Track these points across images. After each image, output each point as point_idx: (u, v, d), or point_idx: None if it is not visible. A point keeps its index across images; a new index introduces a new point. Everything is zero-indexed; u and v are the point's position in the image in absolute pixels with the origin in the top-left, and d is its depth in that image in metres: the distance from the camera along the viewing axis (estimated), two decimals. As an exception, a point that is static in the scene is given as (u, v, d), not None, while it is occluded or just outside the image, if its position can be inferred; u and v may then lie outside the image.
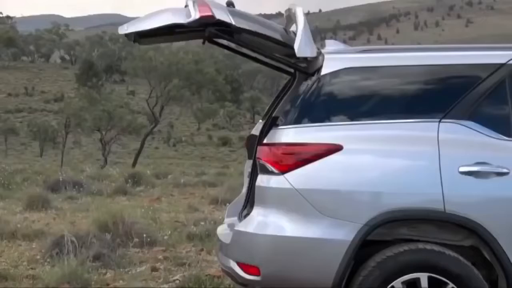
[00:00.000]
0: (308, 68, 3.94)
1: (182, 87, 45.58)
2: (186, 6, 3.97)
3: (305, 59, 3.85)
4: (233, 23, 3.72)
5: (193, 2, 3.88)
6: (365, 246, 3.46)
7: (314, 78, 3.72)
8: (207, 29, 3.79)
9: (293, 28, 4.19)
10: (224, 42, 4.12)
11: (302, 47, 3.70)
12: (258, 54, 4.07)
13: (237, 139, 68.97)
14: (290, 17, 4.24)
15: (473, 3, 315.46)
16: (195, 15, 3.69)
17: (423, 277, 3.37)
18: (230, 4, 4.04)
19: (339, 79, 3.72)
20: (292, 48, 3.74)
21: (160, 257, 6.32)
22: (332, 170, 3.50)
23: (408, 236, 3.57)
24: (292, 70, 4.35)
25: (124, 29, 3.94)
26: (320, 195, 3.48)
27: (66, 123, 52.69)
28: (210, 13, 3.68)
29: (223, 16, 3.73)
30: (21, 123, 69.88)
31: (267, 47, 4.00)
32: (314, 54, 3.78)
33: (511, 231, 3.43)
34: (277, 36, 3.99)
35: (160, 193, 13.08)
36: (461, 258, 3.42)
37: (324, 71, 3.69)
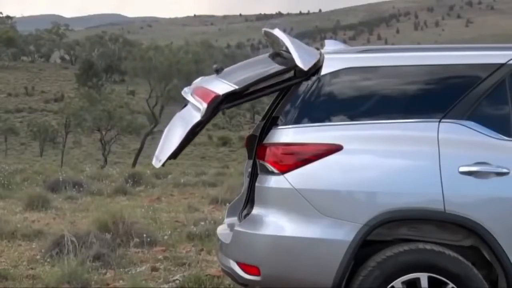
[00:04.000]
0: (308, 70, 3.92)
1: (182, 87, 45.54)
2: (186, 101, 3.97)
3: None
4: (237, 87, 3.68)
5: (190, 94, 3.87)
6: (365, 246, 3.47)
7: (314, 78, 3.72)
8: (220, 108, 3.72)
9: (276, 44, 4.13)
10: None
11: (304, 60, 3.66)
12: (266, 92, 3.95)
13: (237, 139, 68.91)
14: (271, 39, 4.21)
15: (473, 3, 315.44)
16: (203, 106, 3.64)
17: (423, 277, 3.37)
18: (219, 70, 4.00)
19: (339, 79, 3.72)
20: (291, 68, 3.71)
21: (160, 257, 6.32)
22: (332, 170, 3.51)
23: (408, 236, 3.57)
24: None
25: (159, 163, 3.88)
26: (320, 195, 3.48)
27: (66, 123, 52.70)
28: (214, 95, 3.64)
29: (224, 88, 3.68)
30: (21, 123, 69.83)
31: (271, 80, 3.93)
32: (316, 58, 3.77)
33: (511, 231, 3.43)
34: (276, 68, 3.87)
35: (160, 193, 13.07)
36: (461, 258, 3.42)
37: (324, 71, 3.69)
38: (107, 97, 51.24)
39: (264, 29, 4.30)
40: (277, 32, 3.99)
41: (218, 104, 3.65)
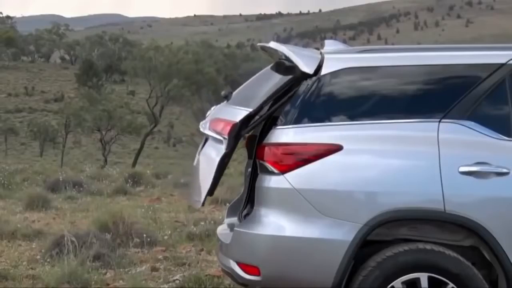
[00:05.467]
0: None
1: (182, 87, 45.61)
2: (205, 135, 3.99)
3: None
4: (251, 110, 3.68)
5: (208, 129, 3.88)
6: (365, 246, 3.47)
7: (314, 78, 3.71)
8: (241, 134, 3.71)
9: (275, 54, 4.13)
10: None
11: (308, 64, 3.67)
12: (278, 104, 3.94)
13: (237, 139, 68.78)
14: (268, 51, 4.22)
15: (473, 3, 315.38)
16: (224, 138, 3.65)
17: (423, 277, 3.37)
18: (228, 96, 4.02)
19: (339, 79, 3.71)
20: (299, 76, 3.71)
21: (160, 257, 6.32)
22: (332, 170, 3.51)
23: (408, 236, 3.57)
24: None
25: (199, 203, 3.88)
26: (320, 195, 3.48)
27: (66, 123, 52.76)
28: (231, 124, 3.64)
29: (239, 114, 3.69)
30: (21, 123, 69.84)
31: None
32: (318, 59, 3.76)
33: (511, 231, 3.43)
34: (284, 80, 3.84)
35: (160, 193, 13.07)
36: (461, 258, 3.43)
37: (324, 71, 3.69)
38: (107, 97, 51.34)
39: (259, 44, 4.34)
40: (273, 44, 4.02)
41: (238, 132, 3.66)
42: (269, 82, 3.92)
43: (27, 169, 21.92)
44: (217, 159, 3.68)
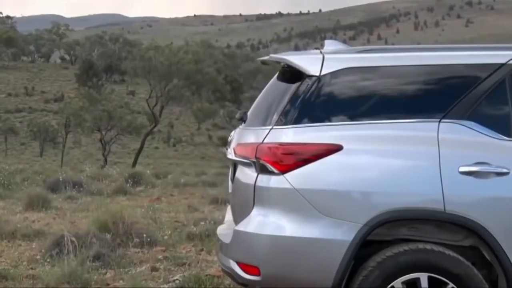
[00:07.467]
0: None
1: (182, 87, 45.63)
2: (232, 161, 4.02)
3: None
4: (270, 127, 3.68)
5: (235, 155, 3.91)
6: (365, 246, 3.47)
7: (314, 78, 3.71)
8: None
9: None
10: None
11: (311, 65, 3.68)
12: None
13: (237, 139, 68.68)
14: (269, 63, 4.26)
15: (473, 3, 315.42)
16: (252, 161, 3.66)
17: (423, 277, 3.37)
18: (243, 117, 4.08)
19: (339, 79, 3.71)
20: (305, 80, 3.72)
21: (160, 257, 6.32)
22: (332, 170, 3.50)
23: (408, 236, 3.57)
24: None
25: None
26: (320, 195, 3.48)
27: (66, 123, 52.80)
28: (255, 147, 3.64)
29: (261, 134, 3.69)
30: (21, 123, 69.88)
31: None
32: (320, 59, 3.76)
33: (511, 231, 3.43)
34: (293, 87, 3.80)
35: (160, 193, 13.08)
36: (461, 258, 3.43)
37: (324, 71, 3.68)
38: (107, 97, 51.36)
39: (259, 59, 4.38)
40: (272, 57, 4.05)
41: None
42: (279, 93, 3.89)
43: (27, 169, 21.95)
44: (252, 183, 3.68)
